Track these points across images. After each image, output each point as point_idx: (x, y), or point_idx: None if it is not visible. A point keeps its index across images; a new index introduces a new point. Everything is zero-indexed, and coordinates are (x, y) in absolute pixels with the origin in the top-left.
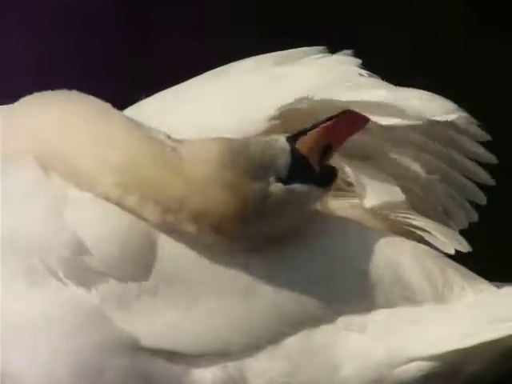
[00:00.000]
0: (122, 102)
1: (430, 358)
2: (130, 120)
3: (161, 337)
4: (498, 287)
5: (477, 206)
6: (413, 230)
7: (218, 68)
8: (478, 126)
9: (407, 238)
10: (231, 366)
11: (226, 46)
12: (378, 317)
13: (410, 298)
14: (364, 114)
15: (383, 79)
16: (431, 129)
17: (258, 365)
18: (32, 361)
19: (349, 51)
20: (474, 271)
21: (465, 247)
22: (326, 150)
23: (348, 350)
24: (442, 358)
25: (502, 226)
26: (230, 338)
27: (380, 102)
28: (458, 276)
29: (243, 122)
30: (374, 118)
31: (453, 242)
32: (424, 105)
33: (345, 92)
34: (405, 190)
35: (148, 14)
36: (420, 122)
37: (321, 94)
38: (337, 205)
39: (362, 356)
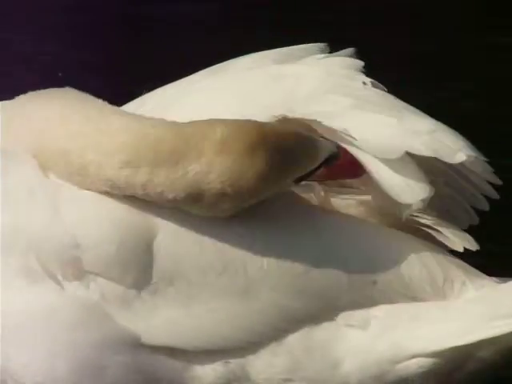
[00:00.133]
0: (121, 98)
1: (431, 355)
2: (128, 113)
3: (161, 333)
4: (499, 283)
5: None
6: (421, 227)
7: (219, 64)
8: (487, 162)
9: (412, 234)
10: (233, 362)
11: (224, 42)
12: (379, 313)
13: (410, 294)
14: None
15: (380, 74)
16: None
17: (260, 361)
18: (32, 358)
19: (351, 50)
20: (475, 266)
21: (473, 246)
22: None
23: (349, 347)
24: (443, 354)
25: (502, 222)
26: (231, 334)
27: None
28: (459, 272)
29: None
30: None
31: (461, 241)
32: (430, 144)
33: (348, 113)
34: None
35: (147, 11)
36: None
37: (320, 112)
38: (341, 202)
39: (363, 352)
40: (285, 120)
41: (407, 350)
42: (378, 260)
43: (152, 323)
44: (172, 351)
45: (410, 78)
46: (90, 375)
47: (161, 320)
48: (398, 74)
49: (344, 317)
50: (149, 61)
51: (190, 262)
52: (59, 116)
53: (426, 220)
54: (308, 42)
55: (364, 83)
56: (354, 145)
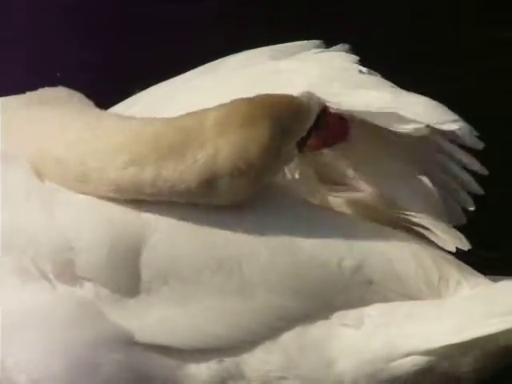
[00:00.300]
0: (120, 98)
1: (425, 353)
2: (123, 116)
3: (156, 332)
4: (493, 281)
5: (474, 199)
6: (413, 227)
7: (212, 62)
8: (477, 136)
9: (405, 233)
10: (227, 360)
11: (223, 41)
12: (374, 312)
13: (405, 292)
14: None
15: (377, 70)
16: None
17: (255, 359)
18: (27, 356)
19: (345, 46)
20: (469, 264)
21: (465, 245)
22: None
23: (344, 345)
24: (437, 352)
25: (497, 219)
26: (225, 333)
27: (383, 107)
28: (454, 270)
29: None
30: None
31: (453, 240)
32: (426, 112)
33: (346, 92)
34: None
35: (146, 11)
36: (424, 132)
37: (321, 93)
38: (335, 200)
39: (358, 351)
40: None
41: (401, 348)
42: (373, 259)
43: (146, 322)
44: (166, 349)
45: (408, 74)
46: (84, 373)
47: (155, 318)
48: (395, 70)
49: (339, 316)
50: (148, 60)
51: (185, 260)
52: (57, 124)
53: (418, 219)
54: (304, 39)
55: (360, 71)
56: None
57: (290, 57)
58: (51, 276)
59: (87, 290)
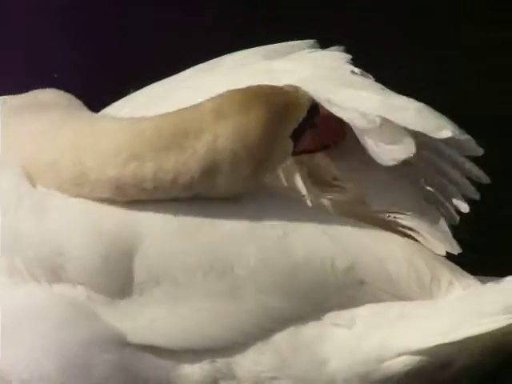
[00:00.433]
0: (116, 98)
1: (417, 353)
2: (116, 117)
3: (148, 333)
4: (484, 281)
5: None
6: (404, 230)
7: (208, 61)
8: (470, 140)
9: (397, 234)
10: (220, 361)
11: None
12: (366, 312)
13: (397, 293)
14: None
15: (375, 70)
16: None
17: (247, 360)
18: (20, 356)
19: (341, 47)
20: (460, 265)
21: (455, 249)
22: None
23: (336, 345)
24: (428, 352)
25: (490, 220)
26: (218, 334)
27: (373, 112)
28: (446, 271)
29: None
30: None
31: (444, 244)
32: (416, 119)
33: (338, 90)
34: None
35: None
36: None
37: (312, 92)
38: (328, 201)
39: (350, 351)
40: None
41: (393, 348)
42: (365, 260)
43: (139, 323)
44: (159, 350)
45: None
46: (77, 373)
47: (148, 320)
48: (395, 71)
49: (331, 316)
50: (145, 61)
51: (177, 262)
52: (49, 128)
53: (409, 222)
54: (304, 39)
55: (353, 72)
56: (335, 104)
57: (283, 56)
58: (43, 280)
59: (79, 292)
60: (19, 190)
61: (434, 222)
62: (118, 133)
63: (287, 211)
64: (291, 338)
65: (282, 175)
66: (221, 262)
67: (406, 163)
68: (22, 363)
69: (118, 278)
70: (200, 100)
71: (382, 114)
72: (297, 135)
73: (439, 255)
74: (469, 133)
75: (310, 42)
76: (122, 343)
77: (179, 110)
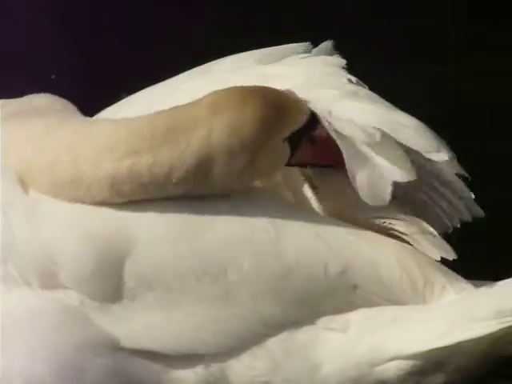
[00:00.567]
0: (115, 100)
1: (410, 357)
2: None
3: (141, 338)
4: (477, 285)
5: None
6: (399, 235)
7: (203, 65)
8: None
9: (391, 237)
10: (214, 366)
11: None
12: (359, 316)
13: (390, 297)
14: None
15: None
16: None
17: (241, 365)
18: (13, 360)
19: (329, 42)
20: (453, 269)
21: (450, 255)
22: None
23: (329, 350)
24: (421, 356)
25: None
26: (211, 339)
27: (371, 125)
28: (439, 275)
29: None
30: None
31: (438, 250)
32: (414, 137)
33: (337, 101)
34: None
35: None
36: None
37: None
38: (320, 206)
39: (343, 355)
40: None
41: (386, 352)
42: (357, 264)
43: (132, 328)
44: (152, 355)
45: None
46: (70, 377)
47: (140, 325)
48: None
49: (324, 321)
50: (146, 63)
51: (169, 266)
52: (43, 132)
53: (402, 228)
54: (303, 40)
55: (349, 80)
56: (335, 129)
57: (278, 60)
58: (36, 285)
59: (72, 297)
60: (12, 196)
61: (427, 227)
62: (113, 130)
63: (280, 215)
64: (285, 342)
65: (276, 177)
66: (214, 266)
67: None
68: (16, 367)
69: (111, 284)
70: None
71: (383, 129)
72: (294, 146)
73: (434, 260)
74: (468, 133)
75: (304, 44)
76: (115, 348)
77: (175, 107)
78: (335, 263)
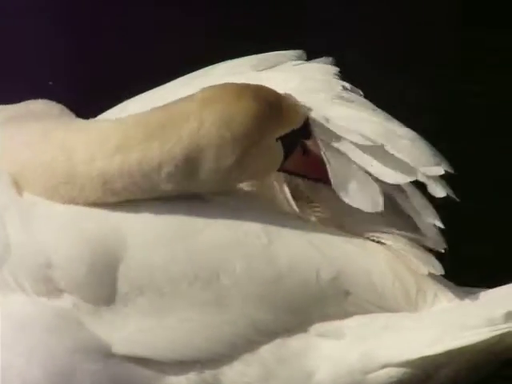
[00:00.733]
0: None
1: (402, 364)
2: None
3: (134, 344)
4: (469, 293)
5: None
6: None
7: (197, 71)
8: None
9: (383, 245)
10: (206, 372)
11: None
12: (351, 323)
13: (382, 304)
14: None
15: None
16: None
17: (233, 371)
18: (5, 364)
19: (328, 59)
20: (446, 276)
21: (438, 270)
22: None
23: (322, 357)
24: (413, 363)
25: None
26: (203, 345)
27: (372, 131)
28: (432, 283)
29: None
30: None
31: (426, 266)
32: (410, 149)
33: (328, 107)
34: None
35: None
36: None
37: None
38: (311, 213)
39: (335, 362)
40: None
41: (378, 359)
42: (350, 270)
43: (124, 333)
44: (144, 361)
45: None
46: (64, 381)
47: (133, 330)
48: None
49: (316, 327)
50: (145, 68)
51: (162, 271)
52: (38, 134)
53: (391, 241)
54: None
55: (344, 87)
56: (333, 123)
57: (272, 67)
58: (30, 290)
59: (66, 302)
60: (6, 199)
61: (415, 242)
62: (106, 129)
63: (272, 220)
64: (277, 349)
65: (272, 185)
66: (206, 270)
67: None
68: (8, 372)
69: (103, 289)
70: None
71: (382, 139)
72: (287, 150)
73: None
74: (467, 135)
75: (298, 51)
76: (107, 353)
77: (168, 103)
78: (327, 269)
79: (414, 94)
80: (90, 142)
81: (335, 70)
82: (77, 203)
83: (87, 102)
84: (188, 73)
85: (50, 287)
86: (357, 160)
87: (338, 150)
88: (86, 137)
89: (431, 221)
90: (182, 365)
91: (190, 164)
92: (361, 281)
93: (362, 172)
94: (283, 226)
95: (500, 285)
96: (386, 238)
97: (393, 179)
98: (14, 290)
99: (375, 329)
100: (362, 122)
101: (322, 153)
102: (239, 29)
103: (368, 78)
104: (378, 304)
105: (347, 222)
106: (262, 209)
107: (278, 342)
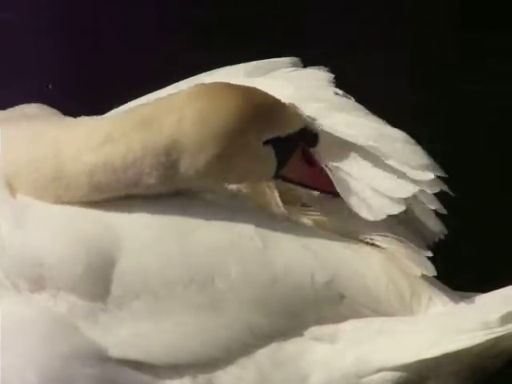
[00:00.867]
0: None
1: (396, 368)
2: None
3: (129, 347)
4: (464, 297)
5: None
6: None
7: (191, 77)
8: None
9: (377, 248)
10: (201, 376)
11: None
12: (346, 327)
13: (377, 308)
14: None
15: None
16: None
17: (229, 375)
18: (4, 365)
19: (323, 68)
20: (441, 280)
21: (430, 272)
22: None
23: (317, 361)
24: (408, 367)
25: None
26: (198, 349)
27: (366, 135)
28: (426, 287)
29: None
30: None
31: (419, 267)
32: (402, 152)
33: (323, 114)
34: None
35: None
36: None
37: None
38: (306, 221)
39: (330, 366)
40: None
41: (372, 363)
42: (344, 274)
43: (119, 337)
44: (140, 365)
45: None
46: None
47: (128, 334)
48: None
49: (312, 331)
50: (143, 73)
51: (157, 275)
52: (30, 134)
53: (384, 243)
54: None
55: (336, 93)
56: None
57: (266, 74)
58: (25, 292)
59: (60, 305)
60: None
61: (408, 244)
62: (94, 123)
63: (266, 224)
64: (273, 353)
65: (267, 188)
66: (201, 274)
67: None
68: (3, 376)
69: (98, 291)
70: None
71: (377, 144)
72: (282, 158)
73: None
74: (468, 140)
75: (293, 59)
76: (103, 357)
77: (157, 98)
78: (322, 273)
79: (414, 95)
80: (78, 138)
81: (329, 76)
82: (64, 202)
83: (86, 106)
84: (185, 78)
85: (44, 288)
86: (359, 172)
87: (340, 161)
88: (75, 133)
89: (434, 207)
90: (176, 369)
91: (169, 157)
92: (355, 284)
93: (366, 183)
94: (277, 229)
95: (494, 289)
96: (380, 241)
97: (395, 193)
98: (9, 290)
99: (370, 333)
100: (357, 127)
101: (324, 165)
102: (239, 30)
103: (368, 80)
104: (372, 307)
105: (341, 225)
106: (257, 212)
107: (273, 345)
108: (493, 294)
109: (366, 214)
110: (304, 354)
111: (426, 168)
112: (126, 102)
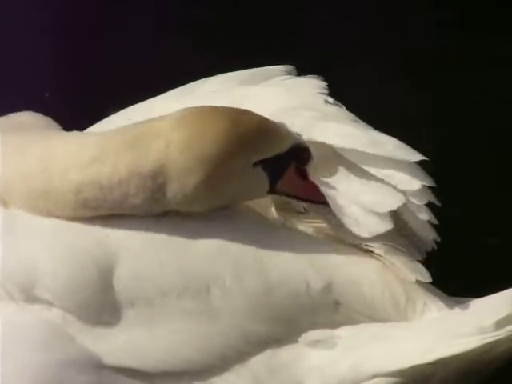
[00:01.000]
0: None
1: (392, 374)
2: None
3: (124, 355)
4: (459, 302)
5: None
6: (376, 256)
7: (185, 86)
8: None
9: (371, 255)
10: (196, 383)
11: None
12: (341, 333)
13: (372, 314)
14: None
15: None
16: None
17: (223, 382)
18: (0, 373)
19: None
20: (435, 285)
21: (426, 278)
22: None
23: (312, 367)
24: (403, 373)
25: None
26: (194, 357)
27: (354, 143)
28: (421, 292)
29: None
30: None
31: (413, 273)
32: (395, 157)
33: (314, 123)
34: None
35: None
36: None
37: (288, 122)
38: (302, 227)
39: (326, 372)
40: None
41: (368, 369)
42: (340, 281)
43: (114, 345)
44: (135, 372)
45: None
46: None
47: (123, 341)
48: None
49: (307, 338)
50: (142, 79)
51: (151, 282)
52: (21, 146)
53: (379, 250)
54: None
55: (326, 101)
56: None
57: (260, 82)
58: (20, 302)
59: (55, 314)
60: None
61: (402, 250)
62: (84, 140)
63: (262, 231)
64: (268, 360)
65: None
66: (196, 282)
67: None
68: (3, 381)
69: (93, 299)
70: None
71: (366, 151)
72: (275, 176)
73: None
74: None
75: (288, 67)
76: (98, 365)
77: (147, 119)
78: (317, 280)
79: (414, 96)
80: (67, 154)
81: (323, 84)
82: (54, 216)
83: (86, 106)
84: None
85: (38, 299)
86: (347, 187)
87: (328, 176)
88: (64, 149)
89: (424, 218)
90: (171, 376)
91: (156, 180)
92: (350, 291)
93: (353, 200)
94: (272, 236)
95: (489, 294)
96: (376, 248)
97: (382, 207)
98: (4, 299)
99: (365, 339)
100: (346, 136)
101: (318, 180)
102: (239, 30)
103: (368, 82)
104: (367, 314)
105: (336, 231)
106: (250, 219)
107: (268, 352)
108: (488, 298)
109: (356, 231)
110: (299, 361)
111: (414, 177)
112: (126, 102)
